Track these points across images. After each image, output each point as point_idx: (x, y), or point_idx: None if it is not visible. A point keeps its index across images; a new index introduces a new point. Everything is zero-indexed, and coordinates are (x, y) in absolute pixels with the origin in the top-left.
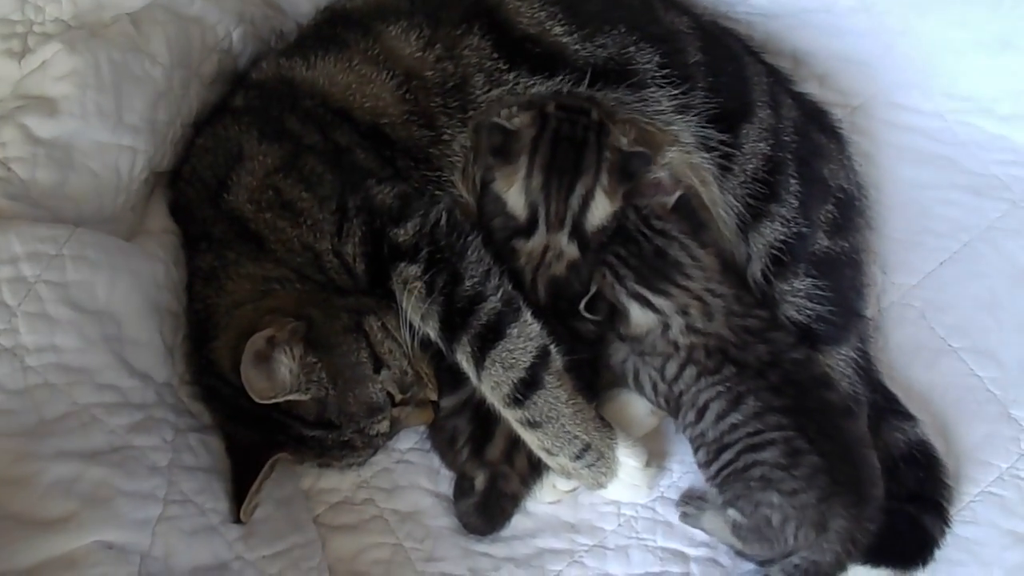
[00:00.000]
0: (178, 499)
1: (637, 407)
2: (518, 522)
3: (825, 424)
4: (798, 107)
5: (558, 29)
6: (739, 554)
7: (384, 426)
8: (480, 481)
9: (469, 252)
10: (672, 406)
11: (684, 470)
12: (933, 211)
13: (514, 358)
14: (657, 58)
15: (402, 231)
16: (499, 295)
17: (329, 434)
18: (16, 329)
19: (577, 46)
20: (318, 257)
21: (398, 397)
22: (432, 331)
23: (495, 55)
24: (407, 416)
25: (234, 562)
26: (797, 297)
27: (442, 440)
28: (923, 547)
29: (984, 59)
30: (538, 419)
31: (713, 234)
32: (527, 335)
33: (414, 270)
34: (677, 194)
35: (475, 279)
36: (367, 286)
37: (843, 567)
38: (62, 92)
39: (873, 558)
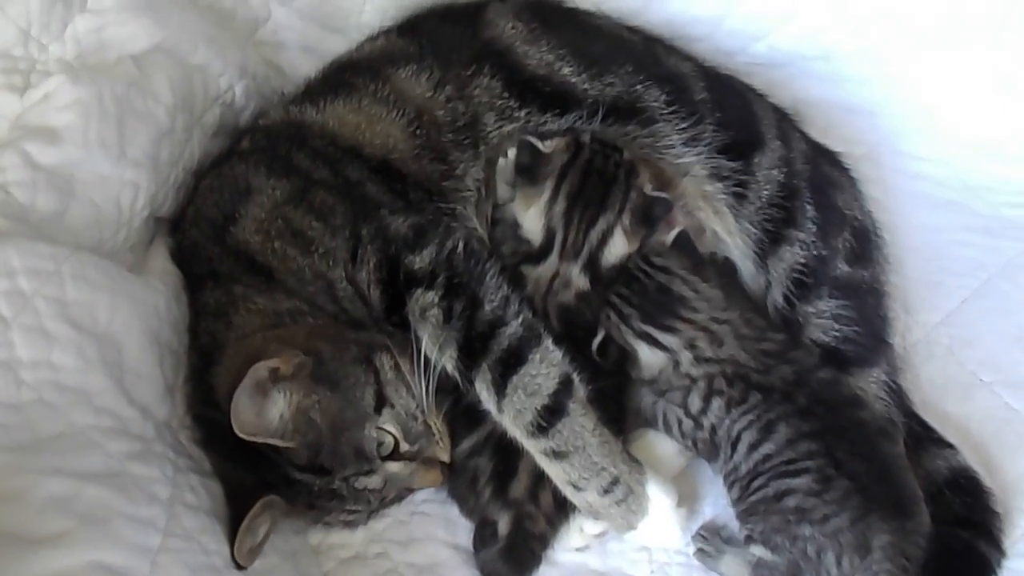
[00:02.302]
0: (180, 534)
1: (665, 446)
2: (544, 572)
3: (858, 443)
4: (806, 142)
5: (567, 70)
6: None
7: (374, 481)
8: (504, 524)
9: (488, 278)
10: (704, 447)
11: (717, 513)
12: (949, 252)
13: (537, 384)
14: (664, 96)
15: (418, 258)
16: (520, 320)
17: (317, 480)
18: (11, 342)
19: (586, 85)
20: (331, 286)
21: (404, 447)
22: (449, 362)
23: (505, 94)
24: (412, 475)
25: None
26: (823, 319)
27: (462, 484)
28: (981, 573)
29: (986, 101)
30: (563, 449)
31: (712, 269)
32: (550, 361)
33: (431, 296)
34: (676, 231)
35: (494, 303)
36: (382, 315)
37: None
38: (65, 121)
39: None
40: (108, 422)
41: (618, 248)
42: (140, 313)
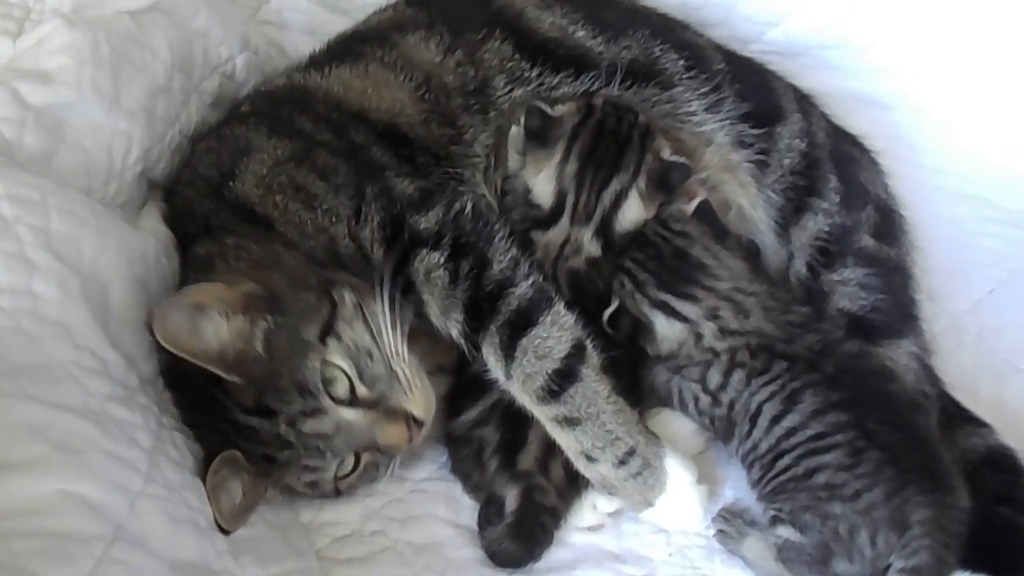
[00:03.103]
0: (162, 483)
1: (683, 424)
2: (554, 554)
3: (889, 414)
4: (827, 120)
5: (581, 33)
6: None
7: (323, 425)
8: (512, 498)
9: (497, 239)
10: (721, 425)
11: (739, 495)
12: (973, 243)
13: (548, 347)
14: (683, 61)
15: (423, 219)
16: (530, 282)
17: (264, 423)
18: None
19: (601, 48)
20: (332, 241)
21: (360, 390)
22: (455, 327)
23: (516, 56)
24: (372, 427)
25: (223, 573)
26: (849, 287)
27: (466, 456)
28: None
29: (1008, 95)
30: (575, 416)
31: (736, 240)
32: (561, 324)
33: (436, 257)
34: (698, 199)
35: (503, 264)
36: (389, 276)
37: (949, 565)
38: (58, 64)
39: (973, 564)
40: (89, 361)
41: (633, 212)
42: (128, 258)
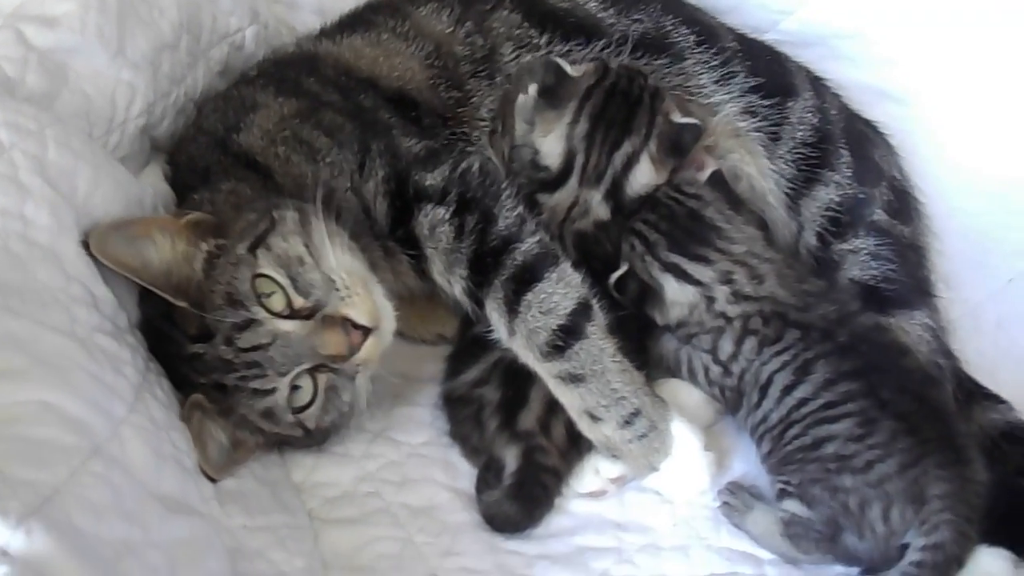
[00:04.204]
0: (147, 417)
1: (691, 394)
2: (553, 520)
3: (905, 385)
4: (841, 101)
5: (592, 5)
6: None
7: (259, 336)
8: (512, 459)
9: (503, 197)
10: (731, 396)
11: (746, 469)
12: (992, 235)
13: (553, 302)
14: (693, 36)
15: (429, 176)
16: (536, 239)
17: (207, 348)
18: None
19: (612, 20)
20: (331, 195)
21: (296, 300)
22: (458, 283)
23: (525, 24)
24: (311, 336)
25: (207, 516)
26: (860, 256)
27: (466, 417)
28: None
29: None
30: (580, 372)
31: (749, 209)
32: (567, 282)
33: (441, 212)
34: (711, 168)
35: (509, 220)
36: (387, 229)
37: (971, 540)
38: (64, 9)
39: (993, 538)
40: (78, 291)
41: (644, 176)
42: (124, 201)
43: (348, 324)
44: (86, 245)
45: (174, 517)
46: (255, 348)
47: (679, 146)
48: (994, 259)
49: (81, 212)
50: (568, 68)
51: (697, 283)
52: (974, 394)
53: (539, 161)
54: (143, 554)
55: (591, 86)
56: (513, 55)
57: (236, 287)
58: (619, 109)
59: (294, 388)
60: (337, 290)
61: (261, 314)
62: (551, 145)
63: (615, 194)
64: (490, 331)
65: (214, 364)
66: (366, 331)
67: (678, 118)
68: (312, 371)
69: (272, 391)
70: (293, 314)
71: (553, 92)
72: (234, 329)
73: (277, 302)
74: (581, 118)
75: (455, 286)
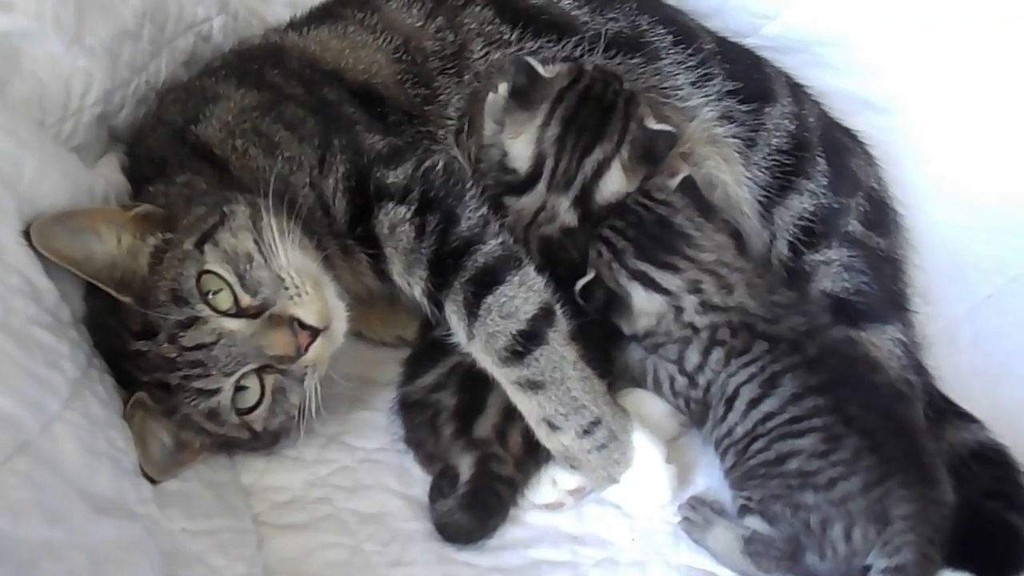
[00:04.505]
0: (84, 414)
1: (656, 406)
2: (508, 531)
3: (872, 400)
4: (820, 109)
5: (566, 3)
6: None
7: (203, 335)
8: (467, 467)
9: (467, 197)
10: (696, 408)
11: (709, 484)
12: (972, 249)
13: (514, 306)
14: (670, 36)
15: (391, 173)
16: (499, 241)
17: (151, 345)
18: None
19: (587, 18)
20: (287, 190)
21: (243, 298)
22: (418, 284)
23: (496, 20)
24: (257, 335)
25: (143, 518)
26: (832, 267)
27: (420, 422)
28: (1016, 548)
29: (1012, 100)
30: (539, 379)
31: (722, 217)
32: (529, 286)
33: (403, 211)
34: (682, 175)
35: (471, 221)
36: (345, 227)
37: (934, 563)
38: None
39: (958, 562)
40: (16, 281)
41: (615, 183)
42: (72, 190)
43: (296, 324)
44: (27, 236)
45: (103, 518)
46: (199, 347)
47: (652, 154)
48: (973, 274)
49: (24, 200)
50: (541, 69)
51: (665, 292)
52: (946, 412)
53: (507, 163)
54: (64, 556)
55: (564, 88)
56: (483, 52)
57: (181, 283)
58: (592, 114)
59: (240, 389)
60: (286, 288)
61: (205, 312)
62: (521, 148)
63: (584, 201)
64: (449, 334)
65: (157, 362)
66: (315, 332)
67: (653, 124)
68: (259, 372)
69: (216, 391)
70: (240, 312)
71: (525, 93)
72: (178, 327)
73: (223, 300)
74: (552, 121)
75: (415, 287)
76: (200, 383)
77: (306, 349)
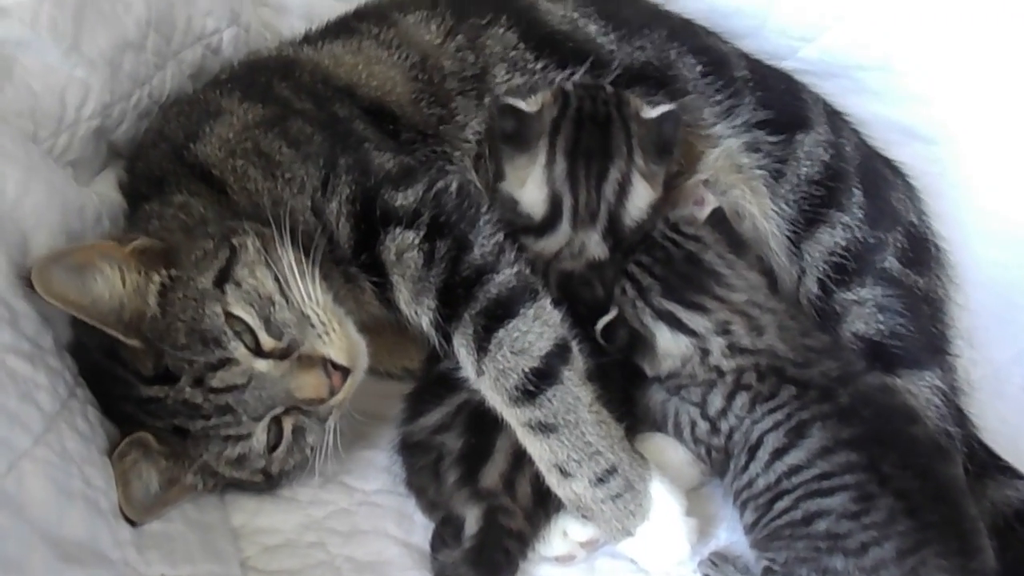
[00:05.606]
0: (58, 451)
1: (677, 453)
2: None
3: (910, 458)
4: (860, 138)
5: (592, 28)
6: None
7: (233, 376)
8: (473, 519)
9: (481, 222)
10: (717, 457)
11: (732, 538)
12: (1020, 289)
13: (528, 341)
14: (700, 67)
15: (400, 195)
16: (514, 271)
17: (169, 391)
18: None
19: (613, 47)
20: (290, 215)
21: (265, 340)
22: (426, 315)
23: (521, 45)
24: (286, 377)
25: (118, 564)
26: (865, 307)
27: (423, 466)
28: None
29: None
30: (551, 422)
31: (754, 253)
32: (544, 320)
33: (411, 237)
34: (712, 206)
35: (485, 249)
36: (349, 253)
37: None
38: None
39: None
40: None
41: (641, 197)
42: (60, 209)
43: (328, 365)
44: (29, 283)
45: (70, 567)
46: (228, 389)
47: (664, 142)
48: (1022, 316)
49: (6, 217)
50: (523, 104)
51: (692, 333)
52: (988, 466)
53: (520, 211)
54: None
55: (556, 117)
56: (506, 77)
57: (207, 325)
58: (592, 135)
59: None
60: (313, 327)
61: (238, 350)
62: (532, 194)
63: (613, 229)
64: (457, 368)
65: (176, 408)
66: (346, 372)
67: (648, 112)
68: (280, 414)
69: (244, 436)
70: (262, 353)
71: (517, 135)
72: (206, 368)
73: (245, 342)
74: (557, 157)
75: (422, 317)
76: (225, 429)
77: (339, 390)
